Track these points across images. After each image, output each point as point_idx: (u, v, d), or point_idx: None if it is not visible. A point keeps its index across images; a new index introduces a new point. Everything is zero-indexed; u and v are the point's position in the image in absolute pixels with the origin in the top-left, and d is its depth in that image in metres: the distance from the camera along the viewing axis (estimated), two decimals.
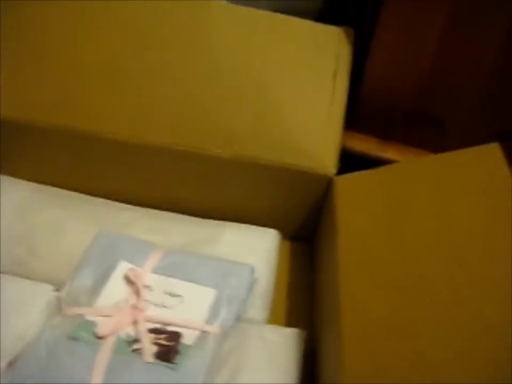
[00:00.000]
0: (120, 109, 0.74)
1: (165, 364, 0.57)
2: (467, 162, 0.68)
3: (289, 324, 0.72)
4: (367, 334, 0.57)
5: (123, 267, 0.66)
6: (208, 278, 0.66)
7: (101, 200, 0.80)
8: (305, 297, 0.78)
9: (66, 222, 0.75)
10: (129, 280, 0.65)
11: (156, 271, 0.66)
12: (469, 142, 0.69)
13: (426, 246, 0.62)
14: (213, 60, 0.76)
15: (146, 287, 0.65)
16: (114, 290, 0.65)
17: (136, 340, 0.60)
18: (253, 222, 0.80)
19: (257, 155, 0.73)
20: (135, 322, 0.61)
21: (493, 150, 0.67)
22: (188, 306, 0.63)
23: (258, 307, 0.71)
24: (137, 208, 0.81)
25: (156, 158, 0.75)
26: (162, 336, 0.60)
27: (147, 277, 0.66)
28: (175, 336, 0.60)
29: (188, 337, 0.60)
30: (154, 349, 0.59)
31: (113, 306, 0.63)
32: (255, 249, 0.76)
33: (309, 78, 0.77)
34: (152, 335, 0.60)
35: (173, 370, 0.57)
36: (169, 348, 0.59)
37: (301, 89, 0.76)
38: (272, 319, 0.73)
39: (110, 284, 0.65)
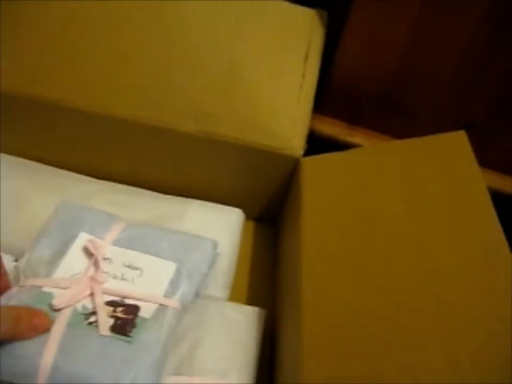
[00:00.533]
0: (89, 81, 0.73)
1: (120, 336, 0.57)
2: (433, 148, 0.68)
3: (250, 303, 0.72)
4: (328, 315, 0.57)
5: (83, 239, 0.65)
6: (169, 251, 0.65)
7: (64, 171, 0.79)
8: (267, 278, 0.78)
9: (28, 192, 0.74)
10: (88, 252, 0.64)
11: (117, 243, 0.65)
12: (436, 131, 0.69)
13: (390, 229, 0.62)
14: (184, 36, 0.75)
15: (106, 259, 0.64)
16: (73, 262, 0.63)
17: (92, 313, 0.59)
18: (218, 201, 0.80)
19: (224, 133, 0.73)
20: (92, 295, 0.60)
21: (459, 137, 0.68)
22: (148, 279, 0.63)
23: (220, 285, 0.71)
24: (101, 181, 0.80)
25: (122, 131, 0.74)
26: (120, 309, 0.60)
27: (107, 249, 0.65)
28: (133, 309, 0.60)
29: (146, 311, 0.60)
30: (111, 321, 0.58)
31: (71, 278, 0.62)
32: (218, 227, 0.75)
33: (281, 59, 0.77)
34: (110, 308, 0.59)
35: (129, 343, 0.56)
36: (125, 320, 0.58)
37: (272, 70, 0.76)
38: (234, 298, 0.73)
39: (69, 255, 0.64)
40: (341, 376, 0.52)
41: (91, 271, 0.62)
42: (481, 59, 0.77)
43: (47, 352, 0.55)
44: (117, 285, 0.62)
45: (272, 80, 0.75)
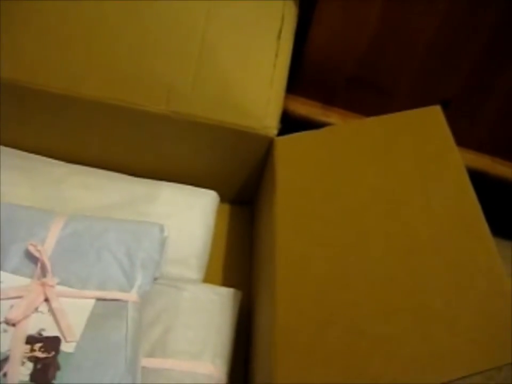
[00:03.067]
0: (58, 61, 0.72)
1: None
2: (408, 124, 0.68)
3: (226, 285, 0.71)
4: (302, 290, 0.56)
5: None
6: (118, 242, 0.62)
7: (35, 155, 0.78)
8: (243, 260, 0.78)
9: None
10: (32, 256, 0.60)
11: (61, 242, 0.62)
12: (412, 109, 0.69)
13: (364, 205, 0.61)
14: (155, 16, 0.74)
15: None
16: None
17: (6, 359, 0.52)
18: (193, 184, 0.79)
19: (197, 113, 0.72)
20: (47, 300, 0.56)
21: (435, 112, 0.68)
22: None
23: (194, 267, 0.70)
24: (72, 165, 0.78)
25: (92, 112, 0.73)
26: (38, 345, 0.53)
27: (51, 250, 0.61)
28: (54, 343, 0.53)
29: (69, 344, 0.54)
30: (30, 367, 0.52)
31: (19, 287, 0.57)
32: (192, 210, 0.75)
33: (253, 38, 0.75)
34: (27, 347, 0.53)
35: None
36: (46, 362, 0.52)
37: (244, 49, 0.75)
38: (209, 280, 0.72)
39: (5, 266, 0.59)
40: (315, 350, 0.51)
41: (38, 275, 0.58)
42: (455, 38, 0.76)
43: None
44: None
45: (244, 59, 0.74)
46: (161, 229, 0.66)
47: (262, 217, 0.74)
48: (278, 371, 0.50)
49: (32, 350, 0.52)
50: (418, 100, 0.77)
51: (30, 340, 0.53)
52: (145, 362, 0.58)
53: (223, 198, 0.80)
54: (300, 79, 0.83)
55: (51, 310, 0.56)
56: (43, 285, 0.57)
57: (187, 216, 0.73)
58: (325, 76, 0.84)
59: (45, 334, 0.54)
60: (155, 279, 0.64)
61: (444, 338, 0.49)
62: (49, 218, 0.64)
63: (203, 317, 0.64)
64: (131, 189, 0.75)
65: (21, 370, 0.51)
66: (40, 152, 0.79)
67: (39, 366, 0.51)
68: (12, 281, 0.58)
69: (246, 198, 0.84)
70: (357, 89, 0.84)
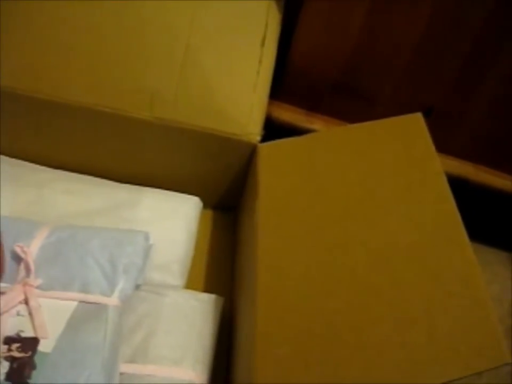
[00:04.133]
0: (41, 67, 0.71)
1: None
2: (389, 131, 0.68)
3: (208, 291, 0.70)
4: (283, 297, 0.56)
5: None
6: (102, 249, 0.62)
7: (18, 161, 0.77)
8: (226, 266, 0.78)
9: None
10: (17, 257, 0.60)
11: (45, 249, 0.62)
12: (395, 116, 0.69)
13: (345, 212, 0.62)
14: (140, 22, 0.74)
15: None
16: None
17: None
18: (176, 190, 0.79)
19: (180, 119, 0.71)
20: (26, 300, 0.57)
21: (416, 120, 0.68)
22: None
23: (176, 273, 0.70)
24: (55, 170, 0.78)
25: (75, 118, 0.72)
26: (16, 345, 0.54)
27: (34, 255, 0.61)
28: (31, 344, 0.54)
29: (46, 343, 0.54)
30: (6, 366, 0.52)
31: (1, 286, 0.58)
32: (174, 215, 0.74)
33: (237, 44, 0.76)
34: (4, 347, 0.53)
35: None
36: (22, 362, 0.52)
37: (228, 55, 0.75)
38: (191, 286, 0.72)
39: None
40: (295, 358, 0.51)
41: (22, 275, 0.59)
42: (439, 45, 0.77)
43: None
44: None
45: (228, 65, 0.74)
46: (146, 237, 0.66)
47: (244, 224, 0.74)
48: (258, 378, 0.50)
49: (10, 350, 0.53)
50: (401, 107, 0.77)
51: (8, 341, 0.54)
52: (126, 368, 0.58)
53: (206, 204, 0.80)
54: (284, 86, 0.83)
55: (29, 309, 0.56)
56: (24, 284, 0.58)
57: (170, 221, 0.73)
58: (309, 82, 0.84)
59: (23, 335, 0.54)
60: (138, 286, 0.64)
61: (423, 346, 0.49)
62: (34, 228, 0.64)
63: (184, 323, 0.63)
64: (114, 194, 0.75)
65: None
66: (23, 157, 0.78)
67: (15, 366, 0.52)
68: None
69: (229, 204, 0.84)
70: (340, 96, 0.84)
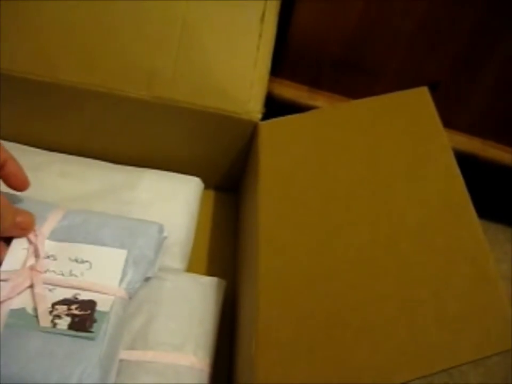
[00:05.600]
0: (35, 47, 0.69)
1: (81, 333, 0.52)
2: (395, 106, 0.66)
3: (210, 274, 0.69)
4: (285, 279, 0.55)
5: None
6: (113, 238, 0.61)
7: (12, 144, 0.75)
8: (228, 248, 0.76)
9: None
10: (28, 241, 0.59)
11: (56, 233, 0.60)
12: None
13: (350, 190, 0.60)
14: None
15: (50, 256, 0.59)
16: (15, 256, 0.58)
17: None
18: (176, 170, 0.77)
19: (178, 98, 0.70)
20: (32, 286, 0.56)
21: (421, 94, 0.66)
22: (98, 271, 0.58)
23: (177, 256, 0.69)
24: (50, 152, 0.76)
25: (71, 99, 0.71)
26: (75, 306, 0.55)
27: (48, 244, 0.59)
28: (89, 304, 0.55)
29: (103, 304, 0.55)
30: (68, 320, 0.53)
31: (10, 271, 0.57)
32: (175, 197, 0.73)
33: (236, 20, 0.73)
34: (63, 307, 0.54)
35: (88, 339, 0.52)
36: (83, 317, 0.54)
37: (227, 32, 0.73)
38: (193, 269, 0.70)
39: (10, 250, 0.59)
40: (298, 343, 0.50)
41: (31, 260, 0.58)
42: (444, 18, 0.75)
43: None
44: (65, 282, 0.57)
45: (227, 41, 0.72)
46: (160, 229, 0.64)
47: (246, 205, 0.73)
48: (260, 364, 0.49)
49: (69, 309, 0.55)
50: (406, 82, 0.75)
51: (66, 302, 0.55)
52: (126, 355, 0.57)
53: (207, 185, 0.79)
54: (285, 62, 0.82)
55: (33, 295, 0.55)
56: (32, 269, 0.56)
57: (170, 203, 0.71)
58: (311, 58, 0.82)
59: (80, 298, 0.56)
60: (148, 279, 0.62)
61: (430, 329, 0.48)
62: (47, 211, 0.62)
63: (185, 308, 0.62)
64: (112, 176, 0.73)
65: None
66: (18, 140, 0.77)
67: (76, 320, 0.54)
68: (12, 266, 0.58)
69: (232, 185, 0.82)
70: (343, 72, 0.82)
